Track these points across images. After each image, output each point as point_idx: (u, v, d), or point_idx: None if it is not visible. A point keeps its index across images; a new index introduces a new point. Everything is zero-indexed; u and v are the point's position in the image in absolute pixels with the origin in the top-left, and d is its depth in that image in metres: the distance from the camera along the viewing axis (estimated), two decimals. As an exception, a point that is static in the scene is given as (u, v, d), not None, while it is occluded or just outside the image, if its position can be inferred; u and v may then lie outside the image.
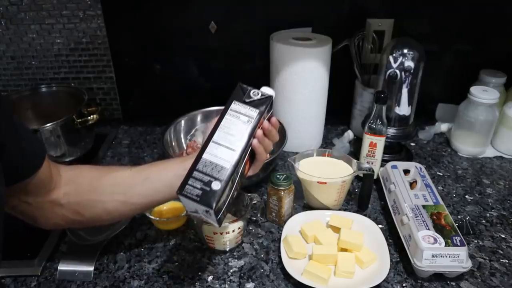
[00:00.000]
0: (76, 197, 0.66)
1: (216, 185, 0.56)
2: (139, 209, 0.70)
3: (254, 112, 0.61)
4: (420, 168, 0.92)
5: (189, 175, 0.57)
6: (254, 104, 0.62)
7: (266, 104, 0.62)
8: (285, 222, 0.83)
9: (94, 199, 0.66)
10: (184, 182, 0.56)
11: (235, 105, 0.62)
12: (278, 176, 0.83)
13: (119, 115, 1.28)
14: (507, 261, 0.78)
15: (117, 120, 1.27)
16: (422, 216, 0.78)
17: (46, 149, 0.65)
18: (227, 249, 0.80)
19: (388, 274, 0.72)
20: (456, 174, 1.03)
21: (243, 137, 0.60)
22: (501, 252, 0.80)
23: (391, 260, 0.75)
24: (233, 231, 0.77)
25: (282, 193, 0.82)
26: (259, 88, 0.64)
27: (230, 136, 0.60)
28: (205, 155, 0.58)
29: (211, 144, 0.59)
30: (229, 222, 0.76)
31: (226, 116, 0.61)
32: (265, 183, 0.94)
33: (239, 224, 0.77)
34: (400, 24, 1.10)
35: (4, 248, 0.68)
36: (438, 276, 0.73)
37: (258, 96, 0.62)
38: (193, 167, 0.57)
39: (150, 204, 0.71)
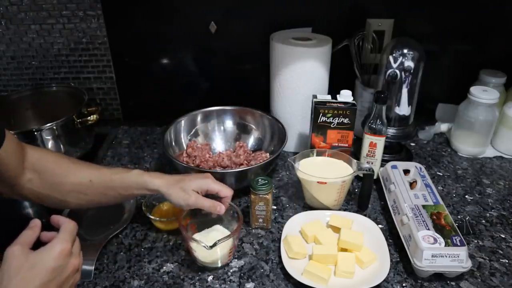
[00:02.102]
0: (39, 188, 0.71)
1: None
2: (97, 205, 0.79)
3: None
4: (420, 168, 0.92)
5: None
6: None
7: None
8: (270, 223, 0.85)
9: (55, 197, 0.72)
10: None
11: None
12: (259, 181, 0.80)
13: (119, 115, 1.28)
14: (507, 261, 0.78)
15: (117, 120, 1.27)
16: (422, 216, 0.78)
17: (5, 126, 0.69)
18: (219, 265, 0.77)
19: (388, 274, 0.72)
20: (456, 174, 1.03)
21: None
22: (501, 252, 0.80)
23: (391, 260, 0.75)
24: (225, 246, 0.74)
25: (268, 196, 0.81)
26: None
27: None
28: None
29: None
30: (218, 240, 0.71)
31: None
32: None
33: (229, 242, 0.74)
34: (400, 24, 1.10)
35: (4, 248, 0.68)
36: (438, 276, 0.73)
37: None
38: None
39: (109, 204, 0.78)
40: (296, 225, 0.83)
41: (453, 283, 0.73)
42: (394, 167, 0.93)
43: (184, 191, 0.72)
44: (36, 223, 0.59)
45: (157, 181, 0.73)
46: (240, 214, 0.77)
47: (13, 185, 0.69)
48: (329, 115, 0.92)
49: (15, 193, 0.71)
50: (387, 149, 1.00)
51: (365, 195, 0.89)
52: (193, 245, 0.74)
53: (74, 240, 0.59)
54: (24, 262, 0.53)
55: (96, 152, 1.10)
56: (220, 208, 0.74)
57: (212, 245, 0.70)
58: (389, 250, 0.77)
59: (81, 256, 0.60)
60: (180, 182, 0.73)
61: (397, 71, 0.95)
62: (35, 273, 0.53)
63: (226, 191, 0.76)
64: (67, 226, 0.58)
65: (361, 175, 0.88)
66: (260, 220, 0.84)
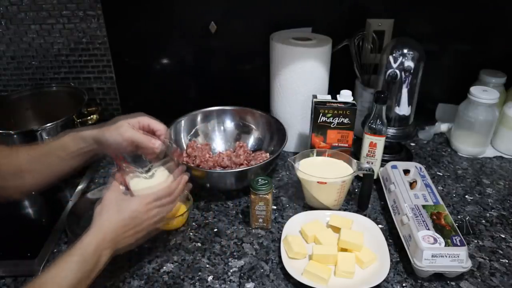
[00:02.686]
0: None
1: None
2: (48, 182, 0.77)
3: None
4: (420, 168, 0.92)
5: None
6: None
7: None
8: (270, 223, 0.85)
9: (4, 187, 0.72)
10: None
11: None
12: (259, 181, 0.80)
13: (119, 115, 1.27)
14: (507, 261, 0.78)
15: (117, 120, 1.27)
16: (422, 216, 0.78)
17: None
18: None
19: (388, 274, 0.72)
20: (456, 174, 1.03)
21: None
22: (501, 252, 0.80)
23: (391, 260, 0.75)
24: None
25: (268, 196, 0.81)
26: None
27: None
28: None
29: None
30: (156, 169, 0.72)
31: None
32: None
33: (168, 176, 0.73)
34: (400, 24, 1.10)
35: (4, 248, 0.69)
36: (438, 276, 0.73)
37: None
38: None
39: (58, 176, 0.76)
40: (296, 225, 0.83)
41: (453, 283, 0.73)
42: (394, 167, 0.93)
43: (119, 127, 0.74)
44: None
45: (90, 130, 0.74)
46: (174, 146, 0.76)
47: None
48: (329, 115, 0.92)
49: None
50: (387, 149, 1.00)
51: (365, 195, 0.89)
52: (133, 181, 0.72)
53: (162, 197, 0.70)
54: (114, 206, 0.66)
55: (96, 152, 1.10)
56: (154, 141, 0.73)
57: (149, 171, 0.70)
58: (389, 250, 0.77)
59: (166, 207, 0.71)
60: (114, 124, 0.75)
61: (397, 71, 0.95)
62: (118, 215, 0.65)
63: (158, 124, 0.77)
64: (162, 190, 0.70)
65: (361, 175, 0.88)
66: (260, 220, 0.84)
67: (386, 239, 0.80)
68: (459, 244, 0.72)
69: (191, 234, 0.84)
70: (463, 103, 1.08)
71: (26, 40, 1.15)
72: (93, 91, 1.22)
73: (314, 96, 0.96)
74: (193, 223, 0.87)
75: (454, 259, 0.71)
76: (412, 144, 1.15)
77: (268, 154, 1.00)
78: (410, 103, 0.99)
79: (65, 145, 0.73)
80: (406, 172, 0.92)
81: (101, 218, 0.65)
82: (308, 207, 0.91)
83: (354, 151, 1.01)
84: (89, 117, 1.03)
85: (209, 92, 1.23)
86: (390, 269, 0.73)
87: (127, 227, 0.65)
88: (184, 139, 1.05)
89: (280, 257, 0.77)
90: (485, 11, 1.12)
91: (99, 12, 1.11)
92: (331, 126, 0.93)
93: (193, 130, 1.08)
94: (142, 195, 0.68)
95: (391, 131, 1.01)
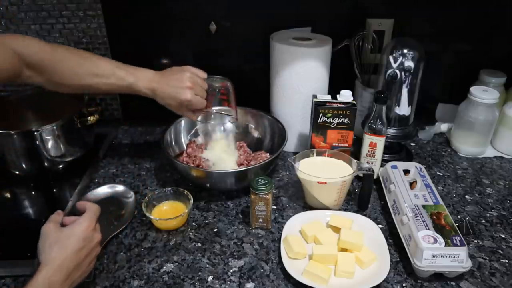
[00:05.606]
0: (41, 83, 0.81)
1: None
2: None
3: None
4: (420, 168, 0.92)
5: None
6: None
7: None
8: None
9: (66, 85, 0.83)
10: None
11: None
12: (259, 181, 0.80)
13: (119, 115, 1.28)
14: (507, 261, 0.78)
15: (117, 120, 1.27)
16: (422, 216, 0.78)
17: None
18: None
19: (388, 274, 0.72)
20: (456, 174, 1.03)
21: None
22: (501, 252, 0.80)
23: (391, 260, 0.75)
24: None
25: (268, 196, 0.81)
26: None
27: None
28: None
29: None
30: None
31: None
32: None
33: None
34: (400, 24, 1.10)
35: (4, 248, 0.69)
36: (438, 276, 0.73)
37: None
38: None
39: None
40: (296, 225, 0.83)
41: (453, 283, 0.73)
42: (394, 167, 0.93)
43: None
44: (59, 211, 0.73)
45: (147, 84, 0.91)
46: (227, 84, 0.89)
47: (15, 80, 0.78)
48: (329, 115, 0.92)
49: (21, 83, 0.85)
50: (387, 149, 1.00)
51: (365, 195, 0.89)
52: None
53: (97, 219, 0.72)
54: (60, 234, 0.66)
55: (96, 152, 1.10)
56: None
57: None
58: (389, 250, 0.77)
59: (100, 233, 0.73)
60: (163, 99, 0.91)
61: (397, 71, 0.95)
62: (70, 242, 0.66)
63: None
64: (92, 207, 0.73)
65: (361, 175, 0.88)
66: (260, 220, 0.84)
67: (386, 239, 0.80)
68: (459, 244, 0.72)
69: (191, 234, 0.84)
70: (463, 103, 1.08)
71: (26, 40, 1.15)
72: (93, 91, 1.22)
73: (314, 96, 0.96)
74: (193, 223, 0.87)
75: (454, 259, 0.71)
76: (412, 144, 1.15)
77: (268, 154, 1.00)
78: (410, 103, 0.99)
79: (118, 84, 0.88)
80: (406, 172, 0.92)
81: (49, 255, 0.63)
82: (308, 207, 0.91)
83: (354, 151, 1.01)
84: (89, 117, 1.03)
85: (209, 92, 1.23)
86: (390, 269, 0.73)
87: (76, 261, 0.65)
88: (184, 139, 1.05)
89: (280, 257, 0.77)
90: (485, 11, 1.12)
91: (99, 12, 1.11)
92: (331, 126, 0.93)
93: (193, 130, 1.08)
94: (77, 230, 0.68)
95: (391, 131, 1.01)
